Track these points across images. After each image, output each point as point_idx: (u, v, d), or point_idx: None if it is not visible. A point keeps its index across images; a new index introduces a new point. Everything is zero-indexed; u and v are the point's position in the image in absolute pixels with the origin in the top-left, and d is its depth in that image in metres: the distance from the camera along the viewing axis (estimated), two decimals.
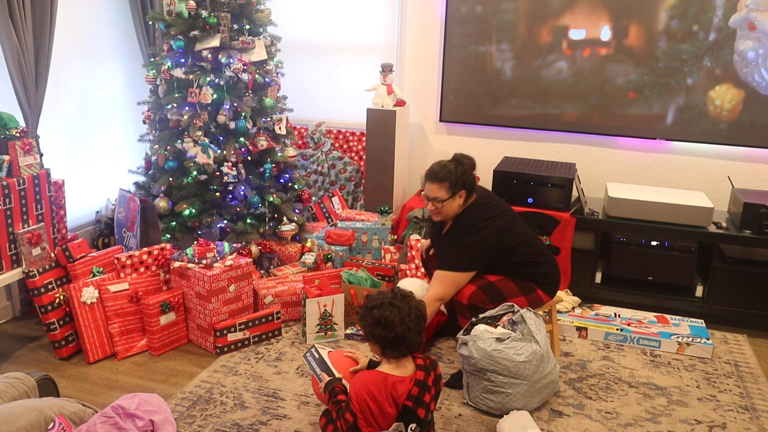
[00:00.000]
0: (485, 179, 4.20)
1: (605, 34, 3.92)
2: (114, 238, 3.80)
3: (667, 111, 3.92)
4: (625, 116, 4.00)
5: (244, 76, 3.59)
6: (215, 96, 3.51)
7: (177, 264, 3.14)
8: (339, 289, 3.27)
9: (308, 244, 3.92)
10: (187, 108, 3.54)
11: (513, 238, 2.79)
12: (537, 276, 2.84)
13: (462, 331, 2.69)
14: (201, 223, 3.61)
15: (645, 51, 3.87)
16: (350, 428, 2.09)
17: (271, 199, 3.73)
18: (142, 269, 3.17)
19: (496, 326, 2.66)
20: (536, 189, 3.69)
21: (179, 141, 3.56)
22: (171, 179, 3.62)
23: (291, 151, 3.87)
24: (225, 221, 3.65)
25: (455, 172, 2.73)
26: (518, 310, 2.70)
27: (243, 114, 3.56)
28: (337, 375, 2.29)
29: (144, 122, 3.74)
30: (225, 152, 3.54)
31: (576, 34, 3.97)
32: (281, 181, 3.89)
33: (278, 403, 2.68)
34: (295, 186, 3.95)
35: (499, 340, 2.56)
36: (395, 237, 4.08)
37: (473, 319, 2.71)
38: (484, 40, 4.16)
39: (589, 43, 3.96)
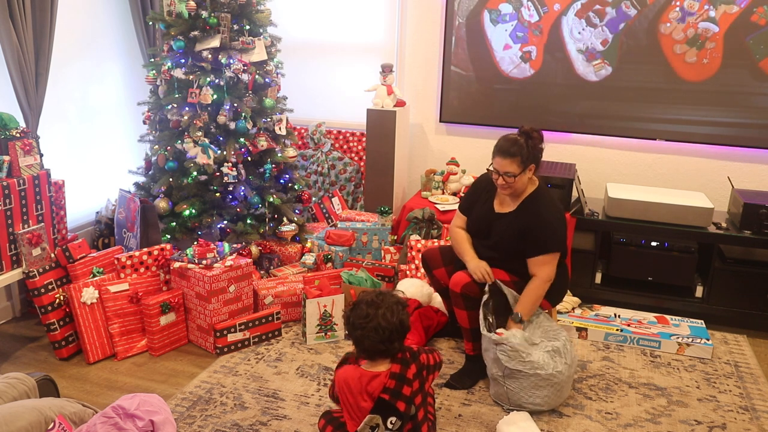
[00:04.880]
0: None
1: (606, 34, 3.92)
2: (114, 238, 3.80)
3: (668, 111, 3.92)
4: (625, 116, 4.00)
5: (244, 77, 3.59)
6: (215, 96, 3.51)
7: (177, 264, 3.14)
8: (339, 290, 3.27)
9: (308, 245, 3.92)
10: (187, 108, 3.54)
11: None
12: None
13: (481, 325, 2.68)
14: (201, 223, 3.61)
15: (645, 51, 3.87)
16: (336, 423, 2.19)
17: (271, 199, 3.73)
18: (142, 270, 3.17)
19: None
20: None
21: (179, 141, 3.56)
22: (171, 180, 3.62)
23: (291, 152, 3.87)
24: (225, 222, 3.65)
25: (526, 147, 2.69)
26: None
27: (243, 114, 3.56)
28: None
29: (144, 123, 3.74)
30: (225, 153, 3.54)
31: (576, 34, 3.97)
32: (281, 181, 3.89)
33: (278, 403, 2.68)
34: (295, 186, 3.95)
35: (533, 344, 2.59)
36: (395, 237, 4.08)
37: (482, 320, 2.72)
38: (483, 40, 4.16)
39: (589, 43, 3.96)
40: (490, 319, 2.72)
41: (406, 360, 2.15)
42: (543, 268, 2.72)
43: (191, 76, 3.50)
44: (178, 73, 3.53)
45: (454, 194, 4.30)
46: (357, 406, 2.11)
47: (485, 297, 2.72)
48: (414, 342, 3.03)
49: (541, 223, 2.71)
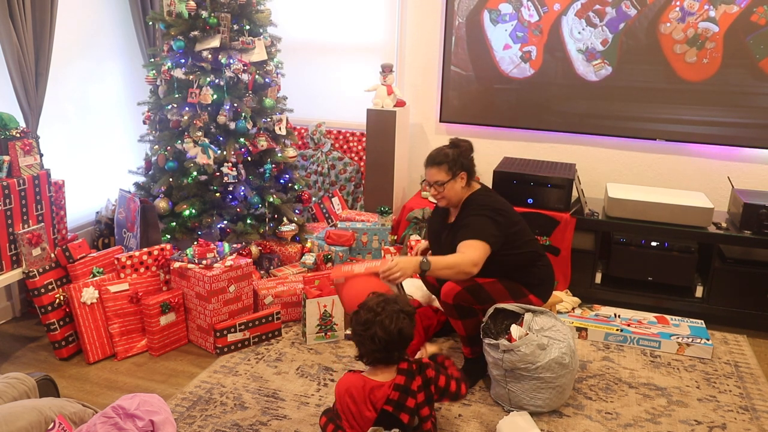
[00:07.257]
0: (485, 179, 4.20)
1: (606, 34, 3.92)
2: (114, 238, 3.80)
3: (668, 111, 3.92)
4: (625, 116, 4.00)
5: (244, 77, 3.59)
6: (215, 96, 3.51)
7: (177, 264, 3.14)
8: None
9: (308, 245, 3.92)
10: (187, 108, 3.54)
11: (518, 230, 2.78)
12: (531, 278, 2.82)
13: (484, 341, 2.66)
14: (201, 223, 3.61)
15: (645, 51, 3.87)
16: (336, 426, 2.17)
17: (271, 199, 3.73)
18: (142, 270, 3.17)
19: (506, 336, 2.66)
20: (536, 189, 3.69)
21: (179, 141, 3.56)
22: (171, 180, 3.62)
23: (291, 152, 3.87)
24: (225, 222, 3.65)
25: (452, 154, 2.74)
26: (524, 313, 2.70)
27: (243, 114, 3.56)
28: None
29: (144, 123, 3.74)
30: (225, 153, 3.54)
31: (576, 34, 3.97)
32: (281, 181, 3.89)
33: (278, 403, 2.68)
34: (295, 186, 3.95)
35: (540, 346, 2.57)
36: (395, 237, 4.08)
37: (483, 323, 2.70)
38: (483, 39, 4.17)
39: (589, 43, 3.96)
40: (492, 328, 2.72)
41: (412, 372, 2.12)
42: (468, 250, 2.58)
43: (191, 76, 3.50)
44: (178, 73, 3.53)
45: None
46: (360, 415, 2.09)
47: (484, 322, 2.71)
48: (413, 343, 3.02)
49: (465, 221, 2.71)
